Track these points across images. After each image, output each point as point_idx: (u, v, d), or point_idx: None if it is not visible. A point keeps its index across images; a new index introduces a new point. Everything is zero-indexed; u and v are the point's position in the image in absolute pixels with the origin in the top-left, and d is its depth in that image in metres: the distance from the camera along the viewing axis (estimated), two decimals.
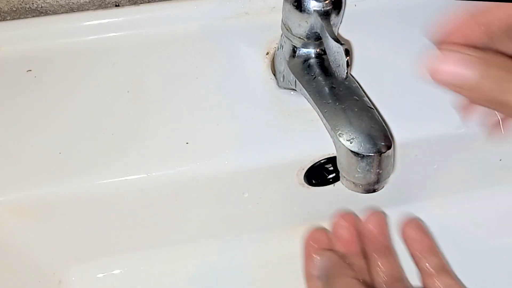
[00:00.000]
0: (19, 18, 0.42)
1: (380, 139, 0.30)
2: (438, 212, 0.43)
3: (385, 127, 0.30)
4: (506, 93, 0.23)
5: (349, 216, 0.38)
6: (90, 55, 0.39)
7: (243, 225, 0.41)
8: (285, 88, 0.37)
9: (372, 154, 0.29)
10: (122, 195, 0.35)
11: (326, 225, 0.40)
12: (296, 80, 0.34)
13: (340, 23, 0.32)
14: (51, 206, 0.35)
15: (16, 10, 0.41)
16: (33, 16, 0.42)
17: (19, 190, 0.34)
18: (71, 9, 0.42)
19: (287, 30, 0.33)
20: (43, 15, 0.42)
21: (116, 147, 0.35)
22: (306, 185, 0.38)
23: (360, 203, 0.40)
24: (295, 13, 0.31)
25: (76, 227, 0.37)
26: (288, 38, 0.33)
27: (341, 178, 0.32)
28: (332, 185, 0.39)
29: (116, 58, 0.39)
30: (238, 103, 0.37)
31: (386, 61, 0.38)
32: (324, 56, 0.34)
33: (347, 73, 0.30)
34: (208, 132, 0.35)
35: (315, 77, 0.32)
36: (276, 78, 0.38)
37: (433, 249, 0.37)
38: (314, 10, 0.31)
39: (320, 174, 0.38)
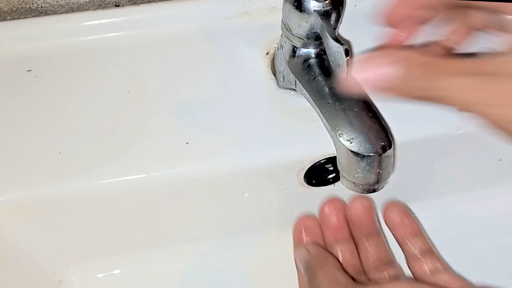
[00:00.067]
0: (19, 18, 0.42)
1: (380, 139, 0.30)
2: (438, 212, 0.43)
3: (385, 127, 0.30)
4: (430, 90, 0.24)
5: (337, 202, 0.38)
6: (90, 55, 0.39)
7: (243, 225, 0.41)
8: (285, 88, 0.37)
9: (372, 154, 0.29)
10: (122, 195, 0.35)
11: None
12: (296, 80, 0.34)
13: (340, 23, 0.32)
14: (51, 206, 0.35)
15: (16, 10, 0.41)
16: (33, 16, 0.42)
17: (19, 190, 0.34)
18: (71, 9, 0.42)
19: (287, 30, 0.33)
20: (43, 15, 0.42)
21: (116, 147, 0.35)
22: (306, 185, 0.38)
23: None
24: (295, 13, 0.31)
25: (76, 227, 0.37)
26: (288, 38, 0.33)
27: (341, 178, 0.32)
28: (332, 185, 0.39)
29: (116, 58, 0.39)
30: (238, 103, 0.37)
31: None
32: (324, 56, 0.34)
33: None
34: (208, 132, 0.35)
35: (315, 77, 0.32)
36: (276, 78, 0.38)
37: (418, 232, 0.37)
38: (314, 10, 0.31)
39: (320, 174, 0.38)
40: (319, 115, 0.32)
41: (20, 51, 0.39)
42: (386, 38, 0.35)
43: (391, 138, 0.30)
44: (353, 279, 0.35)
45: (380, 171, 0.30)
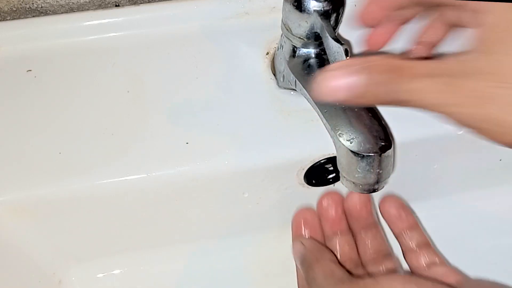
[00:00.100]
0: (19, 18, 0.42)
1: (380, 139, 0.30)
2: (438, 212, 0.43)
3: (385, 127, 0.30)
4: (396, 94, 0.24)
5: (335, 195, 0.38)
6: (90, 55, 0.39)
7: (243, 225, 0.41)
8: (285, 88, 0.37)
9: (372, 154, 0.29)
10: (122, 195, 0.35)
11: None
12: (296, 80, 0.33)
13: (340, 23, 0.32)
14: (51, 206, 0.35)
15: (16, 10, 0.41)
16: (33, 16, 0.42)
17: (19, 190, 0.34)
18: (71, 9, 0.42)
19: (287, 30, 0.33)
20: (43, 15, 0.42)
21: (116, 147, 0.35)
22: (306, 185, 0.38)
23: None
24: (295, 13, 0.31)
25: (76, 227, 0.37)
26: (288, 38, 0.33)
27: (341, 178, 0.32)
28: (332, 185, 0.39)
29: (116, 58, 0.39)
30: (238, 103, 0.37)
31: None
32: (324, 56, 0.33)
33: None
34: (208, 132, 0.35)
35: (315, 77, 0.32)
36: (276, 78, 0.38)
37: (415, 226, 0.37)
38: (314, 10, 0.31)
39: (320, 174, 0.38)
40: (319, 115, 0.32)
41: (20, 51, 0.39)
42: (366, 40, 0.35)
43: (391, 138, 0.30)
44: (350, 272, 0.35)
45: (380, 171, 0.30)
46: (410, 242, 0.37)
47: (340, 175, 0.32)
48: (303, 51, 0.34)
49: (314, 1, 0.30)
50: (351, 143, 0.30)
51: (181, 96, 0.37)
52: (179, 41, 0.39)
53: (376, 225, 0.38)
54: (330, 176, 0.39)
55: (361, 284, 0.29)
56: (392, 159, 0.31)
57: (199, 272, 0.41)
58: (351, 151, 0.29)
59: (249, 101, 0.37)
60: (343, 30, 0.39)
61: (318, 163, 0.37)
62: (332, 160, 0.36)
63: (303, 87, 0.33)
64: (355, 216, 0.37)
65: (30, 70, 0.38)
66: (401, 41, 0.35)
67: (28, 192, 0.34)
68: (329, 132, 0.31)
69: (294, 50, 0.34)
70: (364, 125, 0.30)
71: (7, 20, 0.41)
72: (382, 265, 0.36)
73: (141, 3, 0.41)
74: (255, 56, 0.39)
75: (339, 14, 0.31)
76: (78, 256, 0.40)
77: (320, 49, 0.33)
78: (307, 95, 0.32)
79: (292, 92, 0.37)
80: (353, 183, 0.31)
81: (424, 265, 0.36)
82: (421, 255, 0.36)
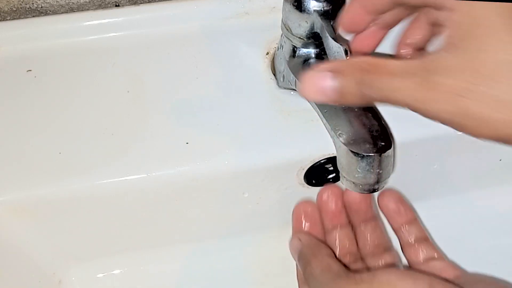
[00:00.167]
0: (19, 18, 0.42)
1: (380, 139, 0.30)
2: (438, 212, 0.43)
3: (385, 127, 0.30)
4: (372, 93, 0.25)
5: (335, 188, 0.38)
6: (90, 55, 0.39)
7: (243, 225, 0.41)
8: (285, 88, 0.37)
9: (372, 154, 0.29)
10: (122, 195, 0.35)
11: None
12: (296, 80, 0.34)
13: None
14: (51, 206, 0.35)
15: (16, 10, 0.41)
16: (33, 16, 0.42)
17: (19, 190, 0.34)
18: (71, 9, 0.42)
19: (287, 30, 0.33)
20: (43, 15, 0.42)
21: (116, 147, 0.35)
22: (306, 185, 0.38)
23: None
24: (295, 13, 0.31)
25: (76, 227, 0.37)
26: (288, 38, 0.33)
27: (341, 178, 0.32)
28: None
29: (116, 58, 0.39)
30: (238, 103, 0.37)
31: None
32: (324, 56, 0.34)
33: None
34: (208, 132, 0.35)
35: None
36: (276, 78, 0.38)
37: (413, 220, 0.37)
38: (314, 10, 0.31)
39: (320, 174, 0.38)
40: (319, 115, 0.32)
41: (20, 51, 0.39)
42: (352, 46, 0.35)
43: (391, 138, 0.30)
44: (349, 266, 0.36)
45: (380, 171, 0.30)
46: (409, 237, 0.37)
47: (340, 175, 0.32)
48: (303, 51, 0.34)
49: (314, 1, 0.30)
50: (351, 143, 0.30)
51: (181, 96, 0.37)
52: (179, 41, 0.39)
53: (376, 218, 0.38)
54: (330, 176, 0.39)
55: (358, 278, 0.30)
56: (392, 159, 0.31)
57: (199, 272, 0.41)
58: (351, 151, 0.29)
59: (249, 101, 0.37)
60: None
61: (318, 163, 0.37)
62: (332, 160, 0.36)
63: None
64: (355, 209, 0.37)
65: (30, 70, 0.38)
66: (388, 45, 0.35)
67: (28, 192, 0.34)
68: (329, 132, 0.31)
69: (294, 50, 0.34)
70: (364, 125, 0.30)
71: (7, 20, 0.41)
72: (382, 259, 0.36)
73: (141, 3, 0.41)
74: (255, 56, 0.39)
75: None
76: (78, 256, 0.40)
77: (320, 49, 0.33)
78: None
79: (292, 92, 0.37)
80: (353, 183, 0.31)
81: (423, 260, 0.36)
82: (420, 250, 0.36)
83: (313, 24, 0.31)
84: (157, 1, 0.41)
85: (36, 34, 0.39)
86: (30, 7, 0.41)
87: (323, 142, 0.34)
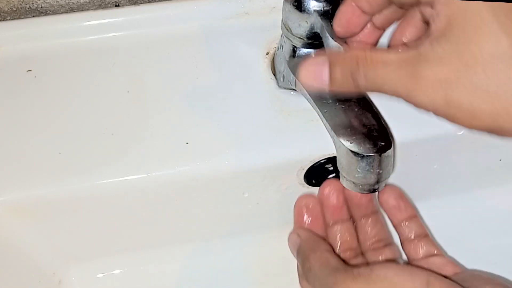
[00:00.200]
0: (19, 18, 0.42)
1: (380, 139, 0.30)
2: (438, 212, 0.43)
3: (385, 127, 0.30)
4: (362, 82, 0.26)
5: (336, 183, 0.38)
6: (90, 55, 0.39)
7: (243, 225, 0.41)
8: (285, 88, 0.37)
9: (372, 154, 0.29)
10: (122, 195, 0.35)
11: None
12: (296, 80, 0.33)
13: None
14: (51, 206, 0.35)
15: (16, 10, 0.41)
16: (33, 16, 0.42)
17: (19, 190, 0.34)
18: (71, 9, 0.42)
19: (287, 30, 0.33)
20: (43, 15, 0.42)
21: (116, 147, 0.35)
22: (306, 185, 0.38)
23: None
24: (295, 13, 0.31)
25: (76, 227, 0.37)
26: (288, 38, 0.33)
27: (341, 178, 0.32)
28: None
29: (116, 58, 0.39)
30: (238, 103, 0.37)
31: None
32: None
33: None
34: (208, 132, 0.35)
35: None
36: (276, 78, 0.38)
37: (413, 216, 0.37)
38: (314, 10, 0.31)
39: (320, 174, 0.38)
40: (319, 115, 0.32)
41: (20, 51, 0.39)
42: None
43: (391, 138, 0.30)
44: (349, 261, 0.36)
45: (380, 171, 0.30)
46: (409, 233, 0.37)
47: (340, 175, 0.32)
48: (303, 51, 0.34)
49: (314, 1, 0.30)
50: (351, 143, 0.30)
51: (181, 96, 0.37)
52: (179, 41, 0.39)
53: (377, 213, 0.38)
54: (330, 176, 0.39)
55: (356, 273, 0.30)
56: (392, 159, 0.31)
57: (199, 272, 0.41)
58: (351, 151, 0.29)
59: (249, 101, 0.37)
60: None
61: (318, 163, 0.37)
62: (332, 160, 0.36)
63: (303, 87, 0.33)
64: (356, 203, 0.37)
65: (30, 70, 0.38)
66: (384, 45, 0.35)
67: (28, 192, 0.34)
68: (329, 132, 0.31)
69: (294, 50, 0.34)
70: (364, 125, 0.30)
71: (7, 20, 0.41)
72: (382, 254, 0.36)
73: (141, 3, 0.41)
74: (255, 56, 0.39)
75: None
76: (78, 256, 0.40)
77: (320, 49, 0.33)
78: (307, 95, 0.32)
79: (292, 92, 0.37)
80: (353, 183, 0.31)
81: (422, 256, 0.36)
82: (419, 246, 0.36)
83: (313, 24, 0.31)
84: (157, 1, 0.41)
85: (36, 34, 0.39)
86: (30, 7, 0.41)
87: (323, 142, 0.34)
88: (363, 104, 0.31)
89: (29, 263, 0.37)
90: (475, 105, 0.23)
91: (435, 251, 0.36)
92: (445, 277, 0.31)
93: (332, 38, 0.30)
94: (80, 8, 0.42)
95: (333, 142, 0.31)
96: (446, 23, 0.25)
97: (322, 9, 0.31)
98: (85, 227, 0.38)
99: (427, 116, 0.36)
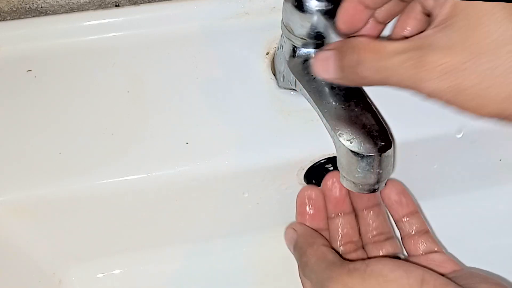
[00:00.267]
0: (19, 18, 0.42)
1: (380, 139, 0.30)
2: (438, 212, 0.43)
3: (385, 127, 0.30)
4: (369, 74, 0.27)
5: (339, 175, 0.38)
6: (90, 55, 0.39)
7: (243, 225, 0.41)
8: (285, 88, 0.37)
9: (372, 154, 0.29)
10: (122, 195, 0.35)
11: None
12: (296, 80, 0.34)
13: None
14: (51, 206, 0.35)
15: (16, 10, 0.41)
16: (33, 16, 0.42)
17: (19, 190, 0.34)
18: (71, 9, 0.42)
19: (289, 31, 0.33)
20: (43, 15, 0.42)
21: (116, 147, 0.35)
22: (306, 185, 0.38)
23: None
24: (296, 13, 0.31)
25: (76, 227, 0.37)
26: (289, 38, 0.33)
27: (341, 178, 0.32)
28: None
29: (116, 58, 0.39)
30: (238, 103, 0.37)
31: None
32: None
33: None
34: (208, 132, 0.35)
35: (315, 77, 0.32)
36: (276, 78, 0.38)
37: (415, 212, 0.37)
38: (317, 10, 0.31)
39: (320, 174, 0.38)
40: (319, 115, 0.32)
41: (20, 51, 0.39)
42: None
43: (391, 138, 0.30)
44: (348, 255, 0.36)
45: (380, 171, 0.30)
46: (409, 228, 0.37)
47: (340, 175, 0.32)
48: (303, 51, 0.34)
49: (316, 1, 0.30)
50: (351, 143, 0.30)
51: (181, 96, 0.37)
52: (179, 41, 0.39)
53: (380, 205, 0.38)
54: None
55: (351, 267, 0.30)
56: (392, 159, 0.31)
57: (199, 272, 0.41)
58: (351, 151, 0.29)
59: (249, 101, 0.37)
60: None
61: (318, 163, 0.37)
62: (332, 160, 0.36)
63: (303, 87, 0.33)
64: (358, 195, 0.37)
65: (30, 70, 0.38)
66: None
67: (28, 192, 0.34)
68: (329, 132, 0.31)
69: (294, 50, 0.34)
70: (364, 125, 0.30)
71: (7, 20, 0.41)
72: (383, 248, 0.36)
73: (141, 3, 0.41)
74: (255, 56, 0.39)
75: None
76: (78, 256, 0.40)
77: (320, 48, 0.33)
78: (307, 95, 0.32)
79: (292, 92, 0.37)
80: (353, 183, 0.31)
81: (422, 252, 0.36)
82: (420, 242, 0.36)
83: (315, 24, 0.31)
84: (157, 1, 0.41)
85: (36, 34, 0.39)
86: (30, 7, 0.41)
87: (323, 142, 0.34)
88: (363, 104, 0.31)
89: (29, 263, 0.37)
90: (482, 91, 0.24)
91: (435, 248, 0.36)
92: (442, 274, 0.31)
93: (337, 36, 0.30)
94: (80, 8, 0.42)
95: (333, 142, 0.31)
96: (450, 11, 0.25)
97: (325, 8, 0.30)
98: (85, 227, 0.38)
99: (427, 116, 0.36)
